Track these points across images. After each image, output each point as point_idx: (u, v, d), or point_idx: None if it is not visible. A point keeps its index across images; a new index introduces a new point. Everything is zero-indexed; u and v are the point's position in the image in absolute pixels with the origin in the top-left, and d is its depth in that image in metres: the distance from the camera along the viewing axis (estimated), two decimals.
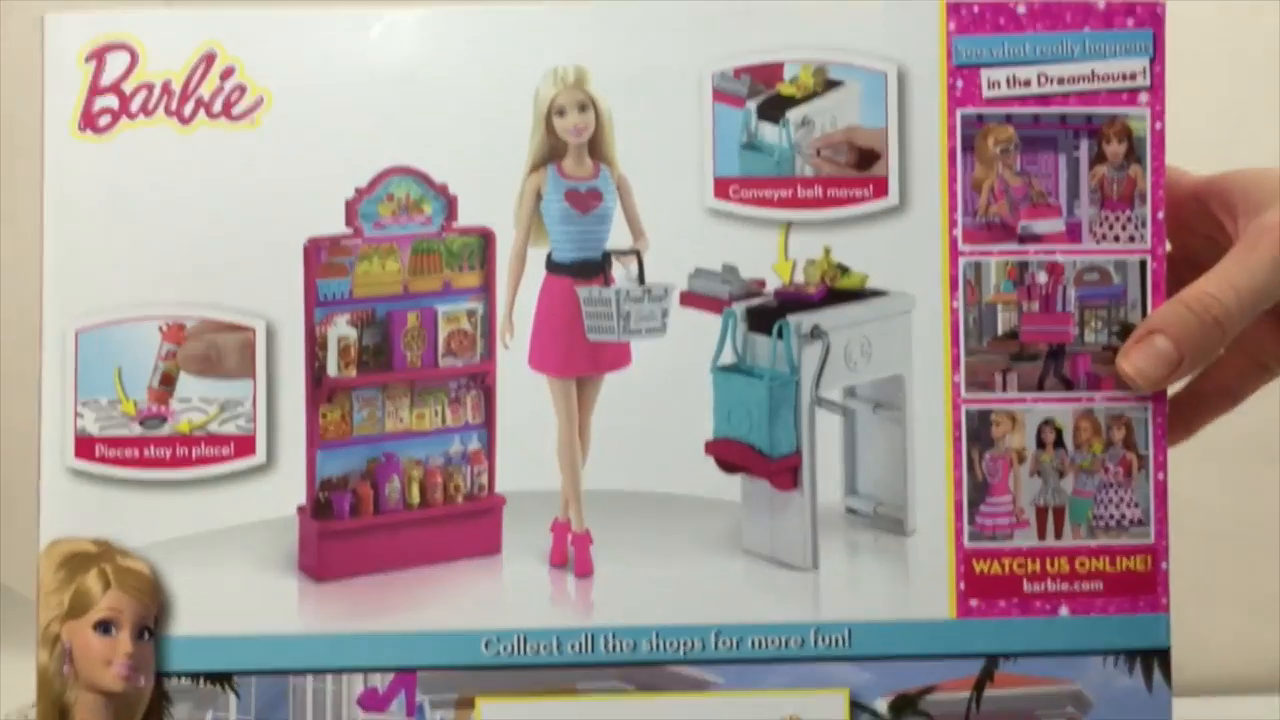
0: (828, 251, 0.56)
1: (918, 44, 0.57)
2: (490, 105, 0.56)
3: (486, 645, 0.55)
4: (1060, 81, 0.56)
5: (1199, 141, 0.62)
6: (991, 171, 0.56)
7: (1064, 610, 0.56)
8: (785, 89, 0.56)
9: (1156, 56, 0.57)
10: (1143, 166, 0.57)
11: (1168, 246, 0.57)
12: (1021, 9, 0.56)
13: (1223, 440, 0.66)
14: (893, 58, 0.57)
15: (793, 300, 0.56)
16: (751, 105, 0.56)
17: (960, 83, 0.56)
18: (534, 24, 0.56)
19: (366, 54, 0.56)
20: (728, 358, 0.56)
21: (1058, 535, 0.56)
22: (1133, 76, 0.57)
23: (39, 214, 0.55)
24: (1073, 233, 0.57)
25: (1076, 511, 0.57)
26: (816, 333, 0.56)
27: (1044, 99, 0.56)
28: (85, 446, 0.55)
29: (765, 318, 0.56)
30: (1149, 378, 0.55)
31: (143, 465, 0.55)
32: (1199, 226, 0.59)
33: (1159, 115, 0.57)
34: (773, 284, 0.56)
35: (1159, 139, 0.57)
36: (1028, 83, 0.56)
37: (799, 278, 0.56)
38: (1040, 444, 0.57)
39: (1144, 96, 0.57)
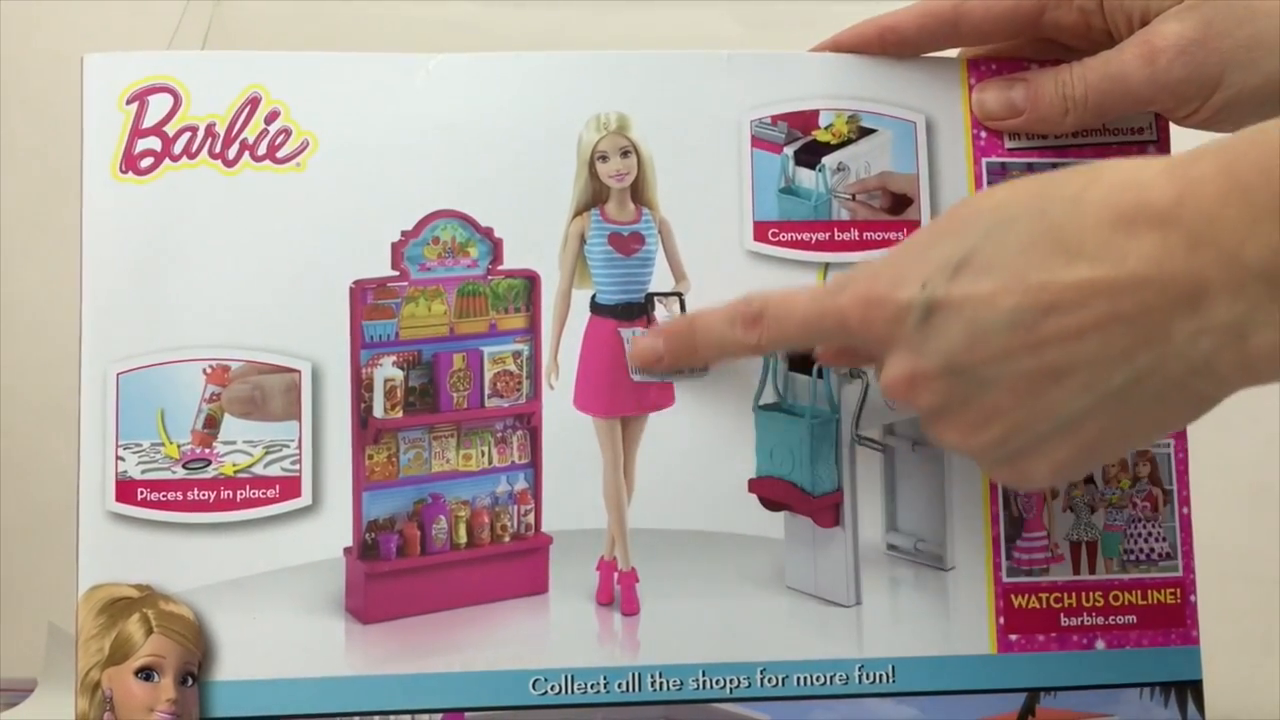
0: None
1: (943, 97, 0.57)
2: (534, 150, 0.55)
3: (534, 685, 0.53)
4: (1075, 135, 0.57)
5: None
6: None
7: (1100, 644, 0.56)
8: (821, 136, 0.56)
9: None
10: None
11: None
12: (1034, 67, 0.57)
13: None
14: (920, 109, 0.57)
15: None
16: (789, 151, 0.56)
17: (983, 134, 0.57)
18: (577, 71, 0.55)
19: (412, 99, 0.55)
20: (769, 397, 0.55)
21: (1091, 569, 0.56)
22: (1140, 131, 0.58)
23: (79, 255, 0.54)
24: None
25: (1108, 546, 0.57)
26: (855, 372, 0.56)
27: (1061, 150, 0.57)
28: (126, 490, 0.53)
29: (805, 357, 0.56)
30: (987, 111, 0.56)
31: (186, 509, 0.53)
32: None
33: None
34: None
35: None
36: (1045, 135, 0.57)
37: None
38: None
39: (1151, 149, 0.57)
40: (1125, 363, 0.41)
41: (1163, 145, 0.58)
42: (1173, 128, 0.57)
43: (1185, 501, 0.57)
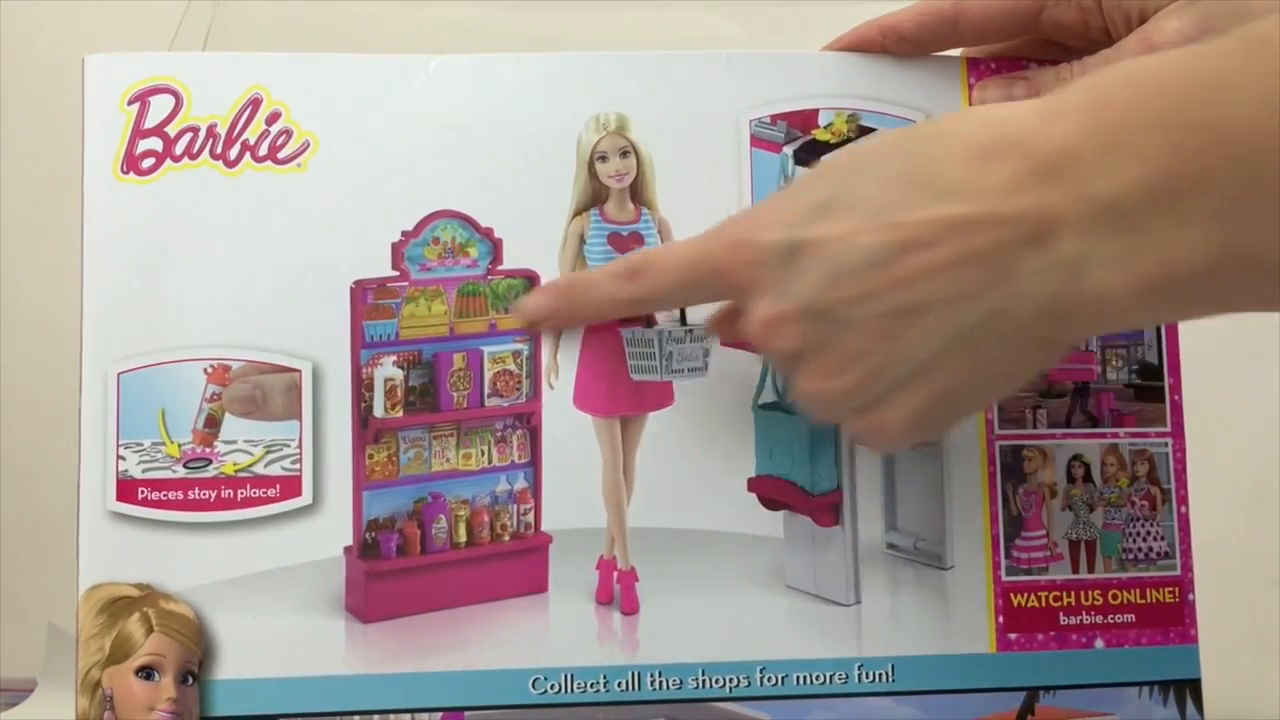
0: None
1: (943, 96, 0.56)
2: (534, 151, 0.54)
3: (534, 684, 0.53)
4: None
5: None
6: None
7: (1099, 642, 0.56)
8: (820, 135, 0.56)
9: None
10: None
11: None
12: (1034, 67, 0.57)
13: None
14: (920, 108, 0.56)
15: None
16: (788, 150, 0.56)
17: None
18: (576, 72, 0.55)
19: (413, 100, 0.54)
20: (769, 396, 0.55)
21: (1090, 568, 0.56)
22: None
23: (80, 255, 0.54)
24: None
25: (1107, 545, 0.56)
26: None
27: None
28: (127, 489, 0.53)
29: None
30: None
31: (187, 508, 0.53)
32: None
33: None
34: None
35: None
36: None
37: None
38: (1070, 479, 0.57)
39: None
40: (976, 302, 0.40)
41: None
42: None
43: (1183, 500, 0.57)
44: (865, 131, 0.56)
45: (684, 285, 0.49)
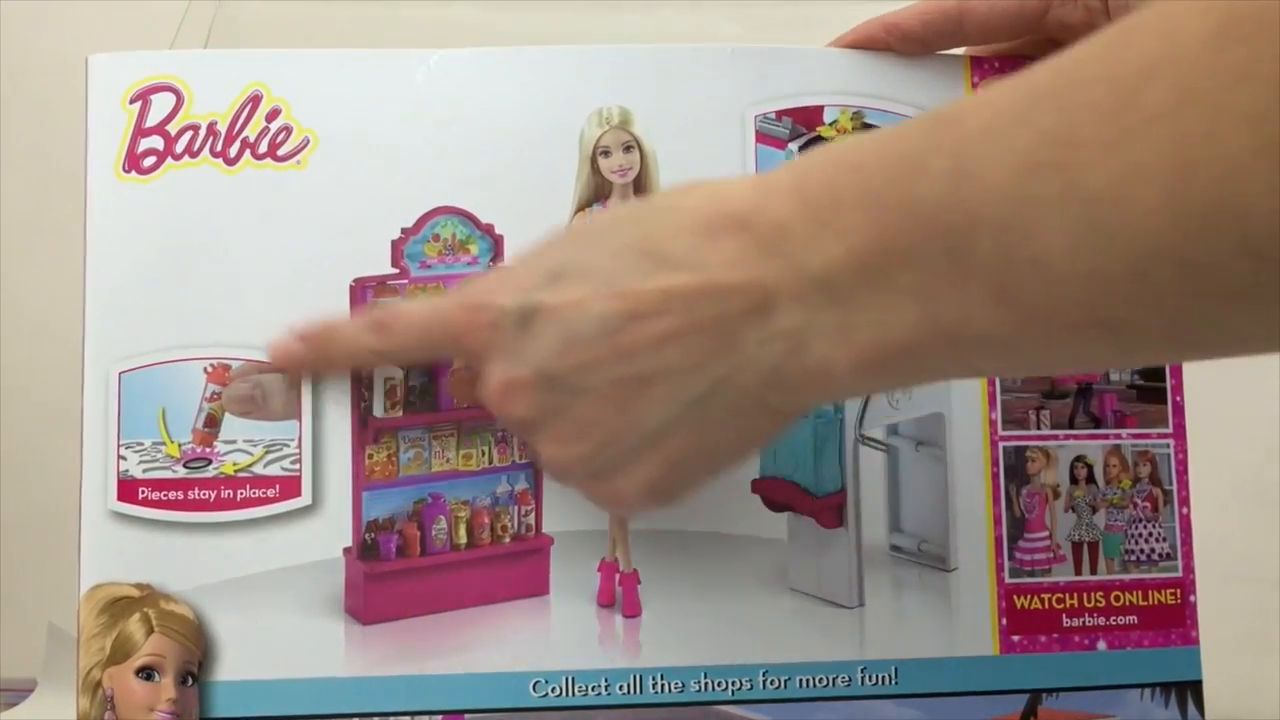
0: None
1: (946, 95, 0.56)
2: (536, 146, 0.54)
3: (534, 687, 0.52)
4: None
5: None
6: None
7: (1101, 644, 0.55)
8: (825, 132, 0.55)
9: None
10: None
11: None
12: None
13: None
14: (924, 105, 0.55)
15: None
16: (793, 147, 0.55)
17: None
18: (579, 66, 0.54)
19: (412, 95, 0.54)
20: None
21: (1093, 570, 0.56)
22: None
23: (82, 255, 0.54)
24: None
25: (1110, 546, 0.56)
26: None
27: None
28: (128, 489, 0.52)
29: None
30: None
31: (187, 508, 0.52)
32: None
33: None
34: None
35: None
36: None
37: None
38: (1073, 480, 0.56)
39: None
40: (704, 371, 0.41)
41: None
42: None
43: (1185, 502, 0.56)
44: (869, 129, 0.56)
45: (425, 344, 0.49)
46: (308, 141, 0.54)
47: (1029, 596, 0.55)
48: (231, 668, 0.52)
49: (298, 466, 0.53)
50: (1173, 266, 0.32)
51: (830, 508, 0.55)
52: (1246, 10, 0.30)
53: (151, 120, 0.54)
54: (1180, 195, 0.31)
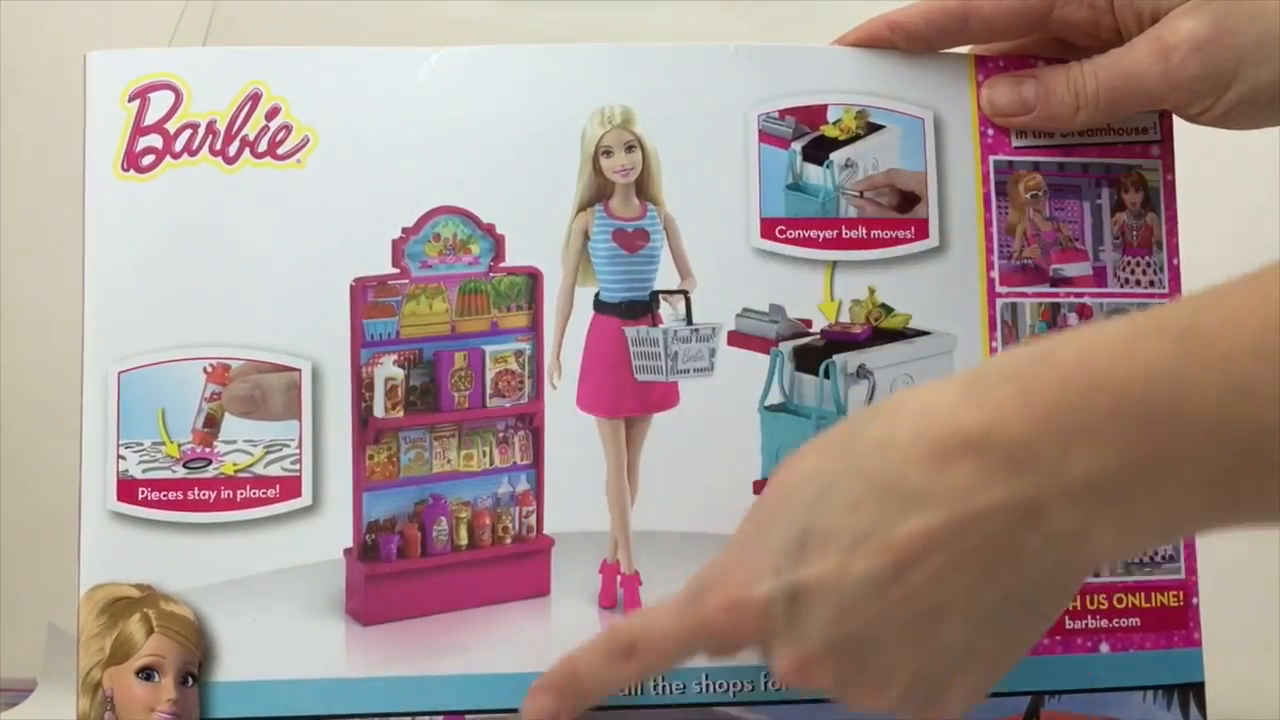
0: (872, 291, 0.55)
1: (951, 93, 0.55)
2: (537, 145, 0.53)
3: None
4: (1080, 134, 0.56)
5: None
6: (1023, 216, 0.56)
7: (1104, 647, 0.55)
8: (829, 131, 0.55)
9: (1165, 113, 0.57)
10: (1158, 215, 0.56)
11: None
12: (1042, 65, 0.56)
13: None
14: (929, 105, 0.55)
15: (839, 340, 0.54)
16: (796, 146, 0.54)
17: (991, 131, 0.56)
18: (581, 65, 0.54)
19: (413, 94, 0.53)
20: (775, 397, 0.54)
21: (1095, 572, 0.55)
22: (1144, 131, 0.57)
23: (81, 255, 0.53)
24: (1099, 276, 0.56)
25: None
26: (862, 372, 0.55)
27: (1067, 149, 0.56)
28: (127, 489, 0.52)
29: (812, 357, 0.55)
30: (997, 108, 0.55)
31: (186, 508, 0.52)
32: None
33: (1169, 167, 0.56)
34: (819, 324, 0.54)
35: (1170, 189, 0.56)
36: (1051, 134, 0.56)
37: (844, 317, 0.55)
38: None
39: (1155, 150, 0.57)
40: (989, 588, 0.41)
41: (1166, 145, 0.56)
42: (1176, 129, 0.57)
43: None
44: (874, 129, 0.56)
45: (685, 652, 0.47)
46: (307, 140, 0.53)
47: None
48: (231, 668, 0.51)
49: (298, 467, 0.52)
50: None
51: None
52: None
53: (150, 119, 0.53)
54: None
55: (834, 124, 0.55)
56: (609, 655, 0.48)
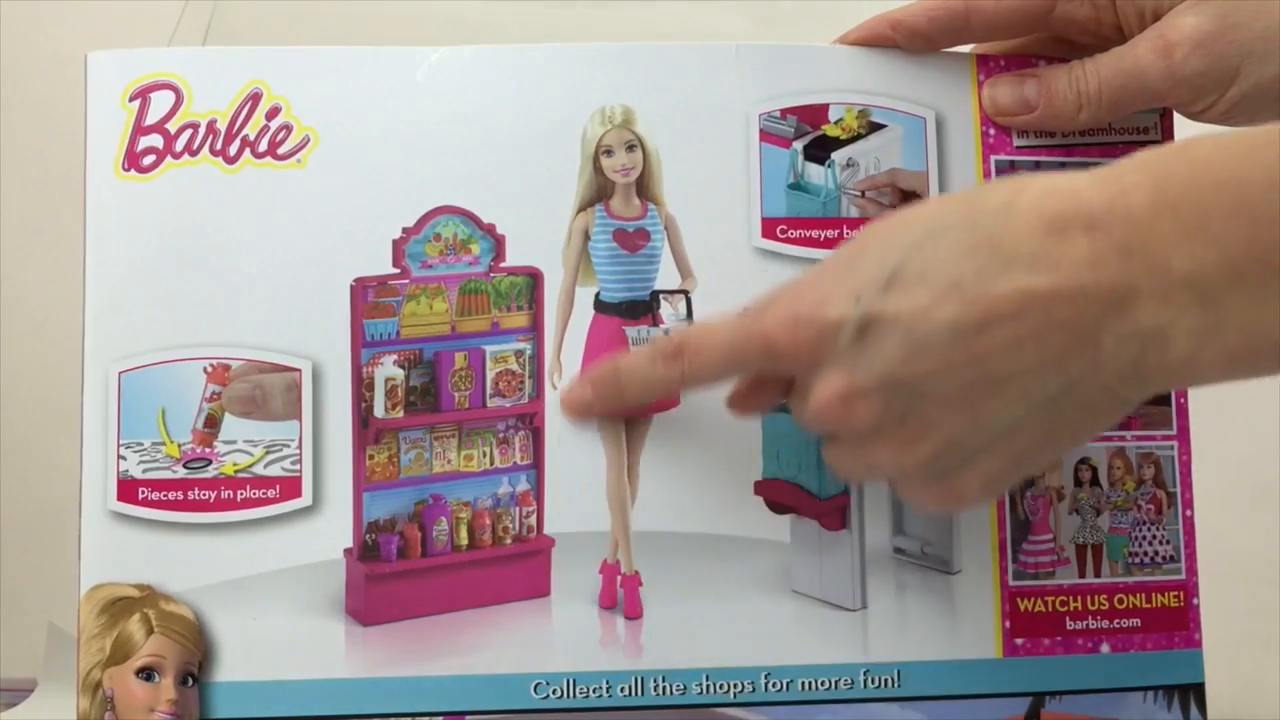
0: None
1: (952, 93, 0.55)
2: (537, 145, 0.53)
3: (535, 689, 0.52)
4: (1082, 134, 0.56)
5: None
6: None
7: (1105, 647, 0.55)
8: (831, 130, 0.55)
9: (1166, 112, 0.57)
10: None
11: None
12: (1044, 65, 0.56)
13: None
14: (930, 104, 0.55)
15: None
16: (798, 146, 0.54)
17: (992, 131, 0.56)
18: (581, 64, 0.54)
19: (414, 93, 0.53)
20: None
21: (1096, 573, 0.55)
22: (1145, 130, 0.57)
23: (82, 254, 0.53)
24: None
25: (1113, 549, 0.55)
26: None
27: (1068, 149, 0.56)
28: (128, 489, 0.52)
29: None
30: (999, 107, 0.55)
31: (187, 508, 0.52)
32: None
33: None
34: None
35: None
36: (1053, 133, 0.56)
37: None
38: (1078, 482, 0.56)
39: None
40: (1059, 370, 0.41)
41: (1165, 143, 0.57)
42: (1177, 127, 0.57)
43: (1188, 504, 0.56)
44: (876, 128, 0.55)
45: (732, 362, 0.47)
46: (308, 140, 0.53)
47: (1032, 599, 0.54)
48: (231, 668, 0.51)
49: (298, 467, 0.52)
50: None
51: (834, 510, 0.54)
52: None
53: (151, 118, 0.53)
54: None
55: (835, 123, 0.55)
56: (654, 354, 0.48)
